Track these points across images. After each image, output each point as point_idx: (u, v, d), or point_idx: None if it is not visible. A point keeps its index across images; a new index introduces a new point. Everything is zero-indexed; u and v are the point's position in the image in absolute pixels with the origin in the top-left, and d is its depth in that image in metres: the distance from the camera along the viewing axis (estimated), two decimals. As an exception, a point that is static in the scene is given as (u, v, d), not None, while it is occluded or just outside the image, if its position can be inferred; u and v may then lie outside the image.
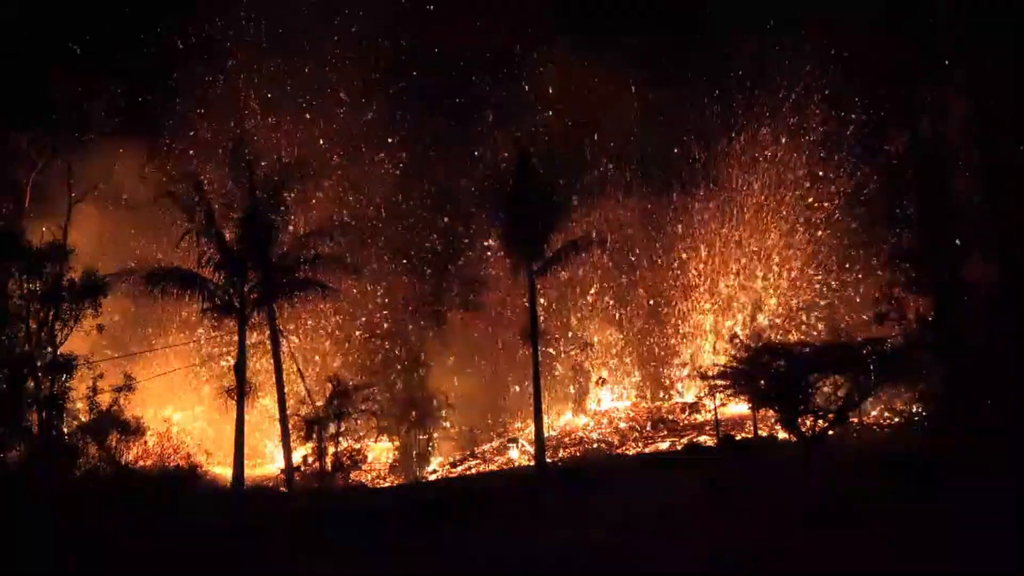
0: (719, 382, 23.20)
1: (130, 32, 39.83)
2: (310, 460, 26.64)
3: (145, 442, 25.21)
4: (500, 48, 42.15)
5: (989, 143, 24.12)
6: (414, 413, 34.09)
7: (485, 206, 28.48)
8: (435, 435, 35.70)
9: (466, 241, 41.34)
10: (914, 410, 24.87)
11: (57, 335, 23.08)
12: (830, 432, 20.92)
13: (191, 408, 37.75)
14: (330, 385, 27.41)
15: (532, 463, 28.99)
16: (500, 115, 42.18)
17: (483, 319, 40.22)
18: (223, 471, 27.86)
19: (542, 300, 37.19)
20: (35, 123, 29.72)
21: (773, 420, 25.01)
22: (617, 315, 41.47)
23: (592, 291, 41.27)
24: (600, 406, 39.14)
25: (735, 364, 22.37)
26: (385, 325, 41.67)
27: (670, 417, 35.77)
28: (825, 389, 20.40)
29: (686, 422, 34.84)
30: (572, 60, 40.22)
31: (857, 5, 30.49)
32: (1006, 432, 18.80)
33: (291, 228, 26.34)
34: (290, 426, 25.66)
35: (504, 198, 26.35)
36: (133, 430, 24.22)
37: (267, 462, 36.49)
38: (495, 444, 35.84)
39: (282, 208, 25.36)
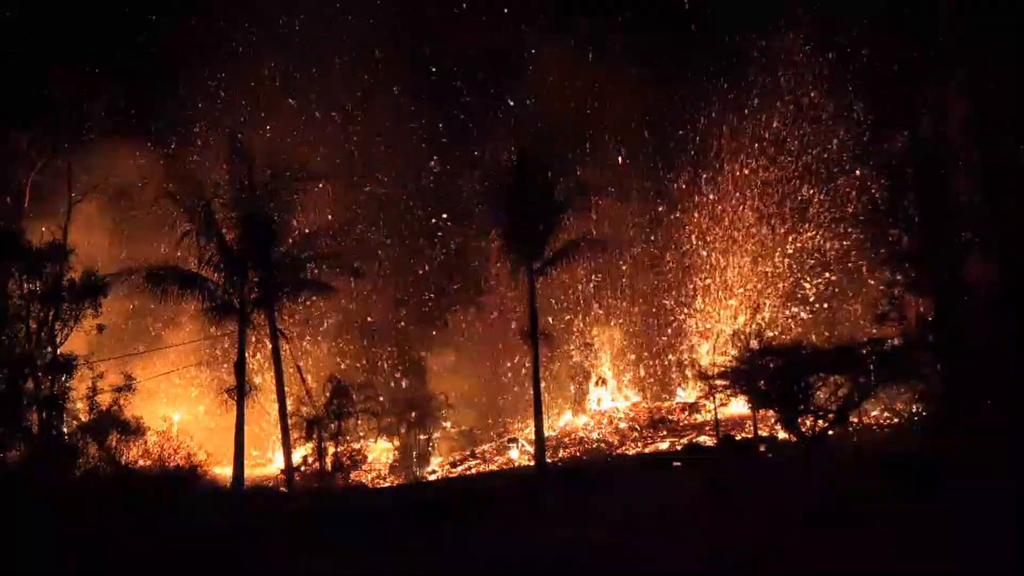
0: (719, 382, 23.21)
1: (130, 32, 39.91)
2: (310, 460, 26.67)
3: (145, 442, 25.18)
4: (500, 47, 42.22)
5: (989, 143, 24.09)
6: (414, 413, 34.09)
7: (485, 206, 28.38)
8: (435, 435, 35.70)
9: (464, 241, 41.39)
10: (914, 410, 24.85)
11: (57, 335, 23.09)
12: (830, 432, 20.92)
13: (191, 408, 37.78)
14: (330, 385, 27.44)
15: (532, 463, 28.98)
16: (500, 114, 42.28)
17: (483, 319, 40.28)
18: (223, 471, 27.87)
19: (552, 301, 37.34)
20: (35, 123, 29.71)
21: (773, 420, 25.00)
22: (617, 315, 41.52)
23: (593, 291, 41.32)
24: (600, 406, 39.15)
25: (735, 364, 22.38)
26: (385, 325, 41.73)
27: (670, 417, 35.77)
28: (825, 389, 20.40)
29: (686, 422, 34.84)
30: (572, 59, 40.27)
31: (858, 5, 30.49)
32: (1006, 432, 18.78)
33: (292, 228, 26.24)
34: (290, 426, 25.64)
35: (504, 198, 26.33)
36: (133, 430, 24.21)
37: (267, 462, 36.54)
38: (495, 444, 35.85)
39: (282, 208, 25.31)
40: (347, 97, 42.63)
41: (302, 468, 26.51)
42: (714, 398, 26.04)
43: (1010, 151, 23.89)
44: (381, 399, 31.70)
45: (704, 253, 40.00)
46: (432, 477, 33.31)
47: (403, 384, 37.68)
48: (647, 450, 31.24)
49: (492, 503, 20.67)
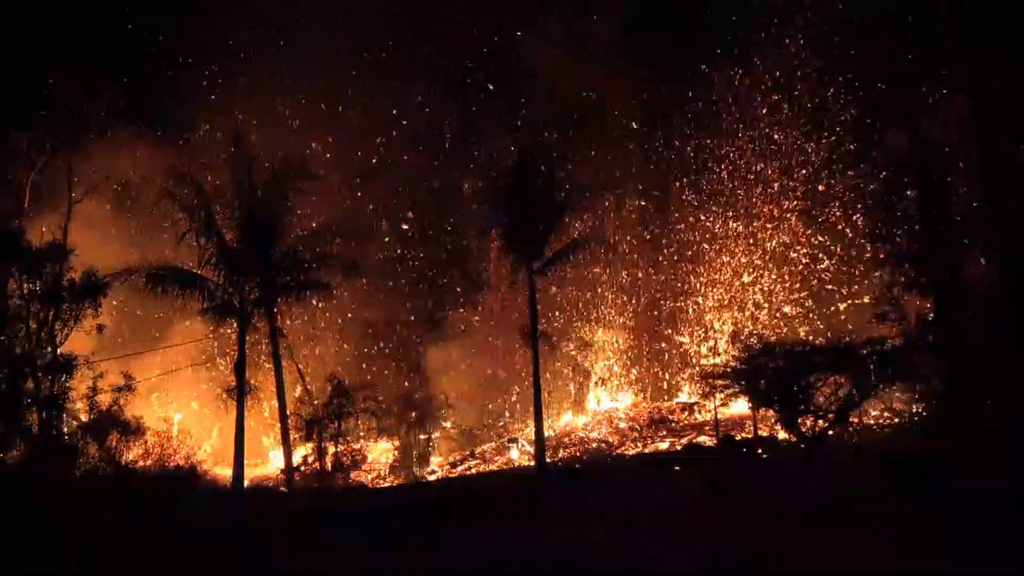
0: (719, 382, 23.20)
1: (130, 32, 39.92)
2: (310, 460, 26.66)
3: (145, 442, 25.18)
4: (501, 47, 42.24)
5: (989, 143, 24.09)
6: (414, 413, 34.08)
7: (485, 206, 28.40)
8: (435, 435, 35.69)
9: (465, 240, 41.40)
10: (914, 410, 24.85)
11: (57, 335, 23.09)
12: (830, 432, 20.92)
13: (192, 408, 37.78)
14: (330, 385, 27.43)
15: (532, 463, 28.98)
16: (501, 114, 42.26)
17: (483, 319, 40.29)
18: (223, 471, 27.87)
19: (552, 300, 37.33)
20: (35, 123, 29.70)
21: (773, 420, 25.00)
22: (617, 314, 41.52)
23: (593, 290, 41.32)
24: (600, 406, 39.15)
25: (735, 364, 22.38)
26: (385, 325, 41.73)
27: (670, 417, 35.77)
28: (825, 389, 20.40)
29: (686, 422, 34.84)
30: (573, 59, 40.25)
31: (858, 4, 30.49)
32: (1006, 432, 18.78)
33: (292, 227, 26.24)
34: (290, 426, 25.64)
35: (504, 198, 26.33)
36: (133, 430, 24.21)
37: (267, 462, 36.55)
38: (495, 444, 35.85)
39: (281, 208, 25.30)
40: (347, 96, 42.66)
41: (302, 468, 26.50)
42: (714, 398, 26.05)
43: (1010, 151, 23.88)
44: (381, 399, 31.67)
45: (705, 253, 39.99)
46: (432, 477, 33.31)
47: (403, 384, 37.68)
48: (647, 450, 31.23)
49: (492, 503, 20.69)
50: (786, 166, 37.84)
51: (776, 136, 38.23)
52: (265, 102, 40.81)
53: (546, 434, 28.35)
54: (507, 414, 38.72)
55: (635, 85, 40.51)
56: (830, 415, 20.38)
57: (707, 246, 39.85)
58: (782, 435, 25.09)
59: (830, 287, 36.25)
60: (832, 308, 35.87)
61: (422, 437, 34.41)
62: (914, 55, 26.63)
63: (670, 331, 40.62)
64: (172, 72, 41.20)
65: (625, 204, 41.17)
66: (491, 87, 43.19)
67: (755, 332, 30.07)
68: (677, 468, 25.00)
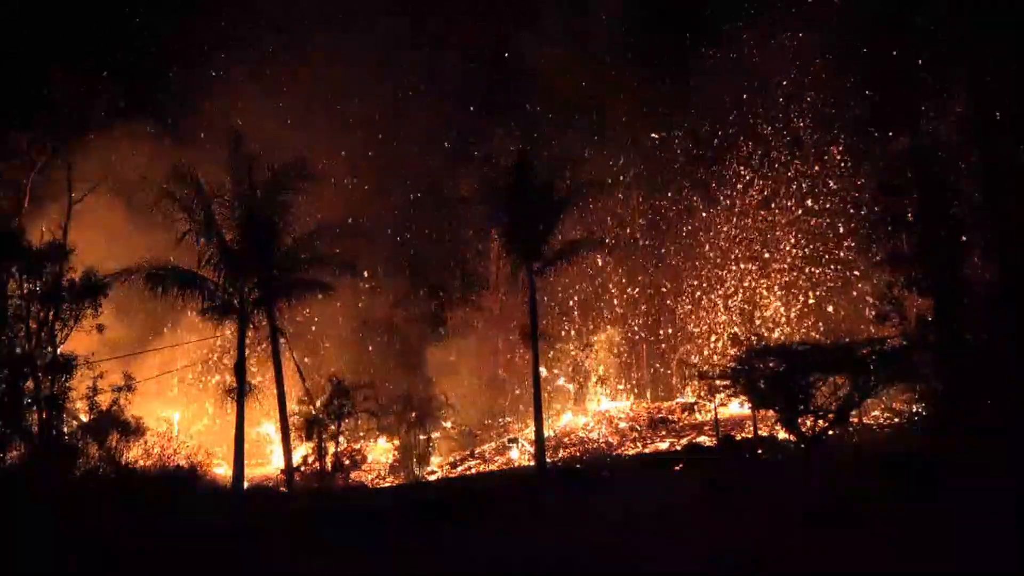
0: (719, 382, 23.19)
1: (130, 32, 39.92)
2: (310, 460, 26.66)
3: (145, 442, 25.19)
4: (502, 47, 42.26)
5: (989, 143, 24.07)
6: (414, 413, 34.06)
7: (485, 206, 28.39)
8: (435, 435, 35.68)
9: (465, 240, 41.41)
10: (914, 410, 24.83)
11: (57, 335, 23.09)
12: (830, 432, 20.91)
13: (192, 408, 37.81)
14: (330, 385, 27.43)
15: (532, 463, 28.98)
16: (501, 114, 42.27)
17: (483, 319, 40.29)
18: (223, 471, 27.87)
19: (552, 300, 37.31)
20: (35, 123, 29.68)
21: (773, 420, 24.99)
22: (617, 314, 41.53)
23: (593, 290, 41.33)
24: (600, 406, 39.14)
25: (735, 364, 22.37)
26: (385, 325, 41.74)
27: (670, 417, 35.76)
28: (825, 389, 20.39)
29: (686, 422, 34.83)
30: (573, 58, 40.27)
31: (858, 4, 30.49)
32: (1006, 432, 18.77)
33: (292, 227, 26.21)
34: (290, 426, 25.64)
35: (504, 198, 26.33)
36: (133, 430, 24.21)
37: (267, 462, 36.53)
38: (495, 444, 35.84)
39: (281, 208, 25.30)
40: (347, 96, 42.66)
41: (302, 468, 26.50)
42: (714, 398, 26.03)
43: (1010, 151, 23.86)
44: (381, 399, 31.67)
45: (705, 253, 40.00)
46: (432, 477, 33.29)
47: (403, 384, 37.66)
48: (647, 450, 31.23)
49: (492, 503, 20.69)
50: (786, 166, 37.88)
51: (777, 135, 38.29)
52: (265, 102, 40.78)
53: (546, 434, 28.35)
54: (507, 414, 38.72)
55: (635, 85, 40.53)
56: (830, 415, 20.38)
57: (708, 246, 39.88)
58: (782, 435, 25.07)
59: (830, 287, 36.29)
60: (832, 308, 35.89)
61: (422, 437, 34.38)
62: (914, 55, 26.62)
63: (671, 331, 40.65)
64: (172, 72, 41.23)
65: (626, 203, 41.17)
66: (491, 87, 43.20)
67: (755, 332, 30.00)
68: (677, 468, 25.00)
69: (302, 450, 27.30)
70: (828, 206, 36.42)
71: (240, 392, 24.17)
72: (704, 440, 30.67)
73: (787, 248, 37.83)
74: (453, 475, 32.61)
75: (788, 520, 15.35)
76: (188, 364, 37.02)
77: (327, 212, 33.08)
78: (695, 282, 40.09)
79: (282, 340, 25.93)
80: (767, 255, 38.37)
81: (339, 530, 18.05)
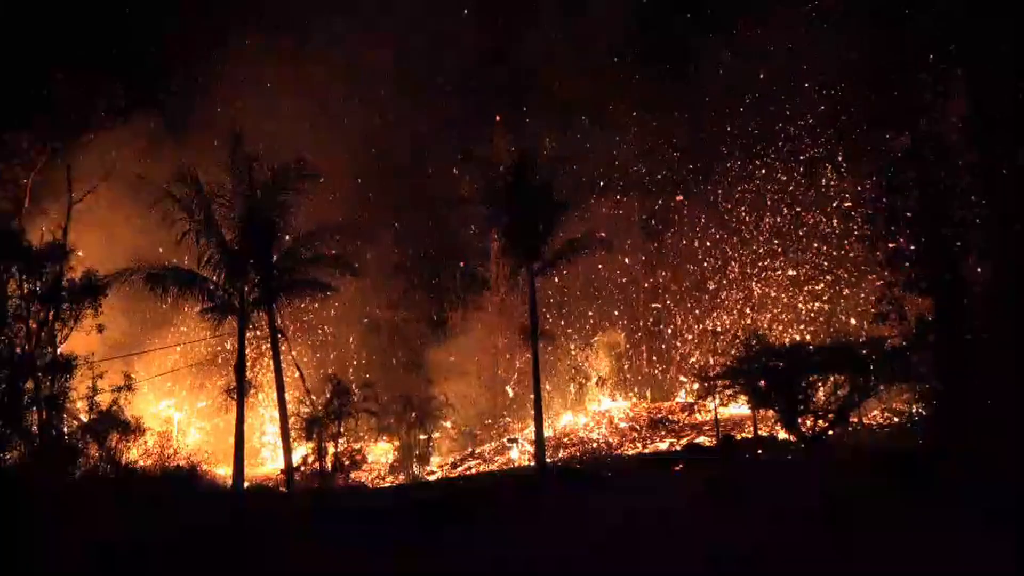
0: (719, 382, 23.19)
1: (130, 32, 39.89)
2: (310, 460, 26.65)
3: (145, 442, 25.19)
4: (501, 47, 42.25)
5: (989, 143, 24.06)
6: (414, 413, 34.08)
7: (485, 206, 28.40)
8: (435, 435, 35.70)
9: (465, 240, 41.40)
10: (914, 410, 24.83)
11: (57, 335, 23.09)
12: (830, 432, 20.92)
13: (192, 408, 37.78)
14: (330, 385, 27.42)
15: (532, 463, 28.98)
16: (501, 114, 42.28)
17: (483, 318, 40.29)
18: (223, 471, 27.85)
19: (553, 300, 37.31)
20: (35, 123, 29.68)
21: (773, 420, 25.00)
22: (618, 314, 41.53)
23: (594, 290, 41.31)
24: (600, 406, 39.14)
25: (735, 364, 22.38)
26: (385, 325, 41.73)
27: (670, 417, 35.78)
28: (825, 389, 20.40)
29: (686, 422, 34.84)
30: (573, 59, 40.28)
31: (858, 4, 30.48)
32: (1006, 432, 18.78)
33: (292, 227, 26.20)
34: (290, 426, 25.63)
35: (504, 198, 26.33)
36: (133, 430, 24.22)
37: (267, 461, 36.54)
38: (495, 444, 35.85)
39: (281, 208, 25.28)
40: (347, 96, 42.65)
41: (302, 468, 26.50)
42: (714, 398, 26.04)
43: (1010, 151, 23.85)
44: (381, 399, 31.68)
45: (705, 252, 40.00)
46: (432, 477, 33.31)
47: (403, 384, 37.67)
48: (647, 450, 31.25)
49: (492, 503, 20.66)
50: (786, 166, 37.87)
51: (777, 134, 38.28)
52: (265, 101, 40.80)
53: (546, 434, 28.35)
54: (507, 414, 38.72)
55: (635, 84, 40.53)
56: (830, 415, 20.39)
57: (708, 245, 39.89)
58: (782, 435, 25.08)
59: (830, 287, 36.28)
60: (832, 308, 35.88)
61: (422, 437, 34.41)
62: (914, 55, 26.61)
63: (671, 331, 40.63)
64: (172, 72, 41.20)
65: (627, 203, 41.16)
66: (491, 87, 43.20)
67: (755, 332, 30.01)
68: (677, 468, 25.00)
69: (302, 450, 27.31)
70: (828, 206, 36.41)
71: (240, 392, 24.17)
72: (704, 440, 30.69)
73: (787, 248, 37.84)
74: (453, 475, 32.62)
75: (788, 520, 15.34)
76: (189, 364, 37.00)
77: (327, 212, 33.12)
78: (696, 282, 40.10)
79: (282, 340, 25.92)
80: (767, 255, 38.36)
81: (339, 530, 18.03)
